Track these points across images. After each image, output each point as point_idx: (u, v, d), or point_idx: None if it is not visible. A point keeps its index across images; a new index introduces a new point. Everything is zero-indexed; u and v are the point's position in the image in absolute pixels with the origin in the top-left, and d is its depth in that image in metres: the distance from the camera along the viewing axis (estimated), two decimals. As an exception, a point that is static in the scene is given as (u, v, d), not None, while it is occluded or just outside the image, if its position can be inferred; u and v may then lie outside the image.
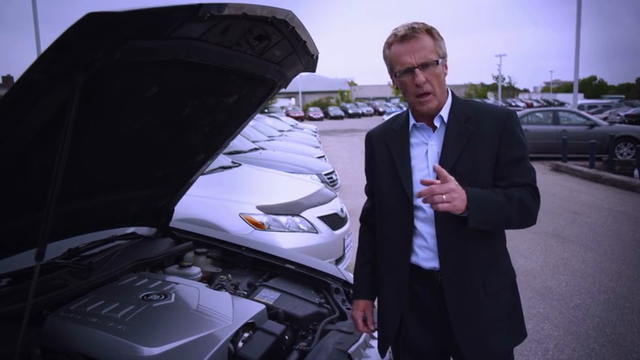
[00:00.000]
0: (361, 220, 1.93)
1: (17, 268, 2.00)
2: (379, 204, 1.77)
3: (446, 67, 1.62)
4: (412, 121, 1.68)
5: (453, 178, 1.45)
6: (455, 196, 1.42)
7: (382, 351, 1.79)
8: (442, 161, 1.59)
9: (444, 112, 1.64)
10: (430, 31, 1.57)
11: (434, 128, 1.65)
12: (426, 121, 1.66)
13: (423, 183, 1.47)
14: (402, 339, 1.73)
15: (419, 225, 1.64)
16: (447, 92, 1.66)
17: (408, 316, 1.70)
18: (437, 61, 1.56)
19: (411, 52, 1.54)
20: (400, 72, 1.57)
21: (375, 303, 1.88)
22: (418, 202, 1.62)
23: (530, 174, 1.62)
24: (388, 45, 1.61)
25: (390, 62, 1.61)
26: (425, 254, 1.65)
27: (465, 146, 1.59)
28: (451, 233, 1.58)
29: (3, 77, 55.80)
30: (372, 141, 1.80)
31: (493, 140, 1.59)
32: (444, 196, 1.41)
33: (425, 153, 1.65)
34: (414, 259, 1.67)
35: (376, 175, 1.77)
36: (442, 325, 1.64)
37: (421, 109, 1.60)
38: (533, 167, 1.65)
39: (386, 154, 1.72)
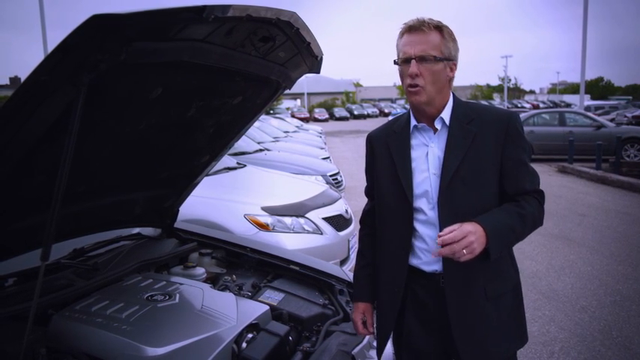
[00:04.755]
0: (361, 222, 1.92)
1: (23, 268, 2.02)
2: (379, 205, 1.76)
3: (451, 70, 1.61)
4: (413, 122, 1.68)
5: (468, 228, 1.44)
6: (475, 246, 1.43)
7: (379, 352, 1.78)
8: (445, 164, 1.58)
9: (445, 114, 1.63)
10: (440, 29, 1.57)
11: (435, 130, 1.64)
12: (426, 121, 1.65)
13: (440, 243, 1.43)
14: (404, 339, 1.72)
15: (419, 227, 1.64)
16: (449, 94, 1.65)
17: (409, 318, 1.70)
18: (435, 57, 1.55)
19: (413, 43, 1.56)
20: (400, 61, 1.60)
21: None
22: (418, 204, 1.62)
23: (536, 179, 1.64)
24: (400, 35, 1.63)
25: (397, 52, 1.63)
26: (426, 257, 1.64)
27: (468, 149, 1.58)
28: None
29: (10, 78, 56.25)
30: (373, 142, 1.80)
31: (496, 142, 1.59)
32: (464, 251, 1.42)
33: (425, 155, 1.64)
34: (415, 261, 1.66)
35: (376, 176, 1.76)
36: (443, 327, 1.63)
37: (410, 99, 1.61)
38: (535, 170, 1.66)
39: (386, 155, 1.71)
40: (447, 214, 1.56)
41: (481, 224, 1.47)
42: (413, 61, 1.55)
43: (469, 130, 1.60)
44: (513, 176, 1.59)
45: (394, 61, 1.62)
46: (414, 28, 1.57)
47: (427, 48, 1.54)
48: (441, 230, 1.52)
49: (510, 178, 1.60)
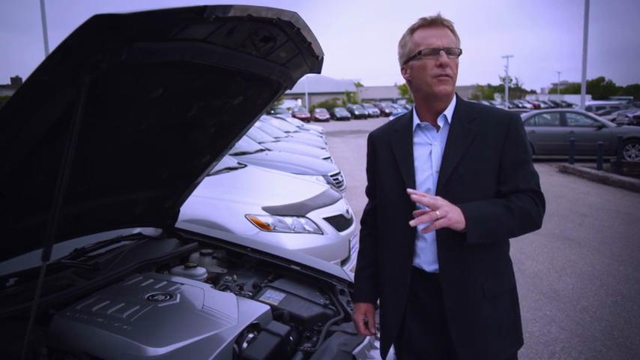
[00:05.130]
0: (362, 222, 1.92)
1: (24, 268, 2.02)
2: (381, 205, 1.76)
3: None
4: (416, 121, 1.67)
5: (435, 196, 1.49)
6: (447, 209, 1.43)
7: (383, 353, 1.78)
8: (444, 162, 1.58)
9: (448, 112, 1.63)
10: (453, 28, 1.62)
11: (437, 128, 1.64)
12: (430, 120, 1.65)
13: (410, 194, 1.47)
14: (405, 340, 1.72)
15: (420, 227, 1.63)
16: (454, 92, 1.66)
17: (410, 318, 1.69)
18: (460, 51, 1.60)
19: (439, 35, 1.57)
20: (425, 52, 1.57)
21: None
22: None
23: (533, 179, 1.61)
24: (411, 31, 1.62)
25: (411, 47, 1.61)
26: (427, 257, 1.64)
27: (468, 148, 1.58)
28: (452, 236, 1.55)
29: (11, 78, 56.40)
30: (375, 141, 1.79)
31: (496, 143, 1.58)
32: (437, 212, 1.42)
33: (429, 154, 1.63)
34: (416, 261, 1.66)
35: (378, 175, 1.76)
36: (443, 328, 1.63)
37: (438, 89, 1.57)
38: (536, 172, 1.63)
39: (389, 154, 1.71)
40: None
41: (459, 205, 1.47)
42: (442, 52, 1.56)
43: (470, 130, 1.60)
44: (510, 176, 1.58)
45: (419, 51, 1.58)
46: (436, 22, 1.59)
47: (451, 42, 1.58)
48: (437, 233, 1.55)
49: (507, 178, 1.58)
